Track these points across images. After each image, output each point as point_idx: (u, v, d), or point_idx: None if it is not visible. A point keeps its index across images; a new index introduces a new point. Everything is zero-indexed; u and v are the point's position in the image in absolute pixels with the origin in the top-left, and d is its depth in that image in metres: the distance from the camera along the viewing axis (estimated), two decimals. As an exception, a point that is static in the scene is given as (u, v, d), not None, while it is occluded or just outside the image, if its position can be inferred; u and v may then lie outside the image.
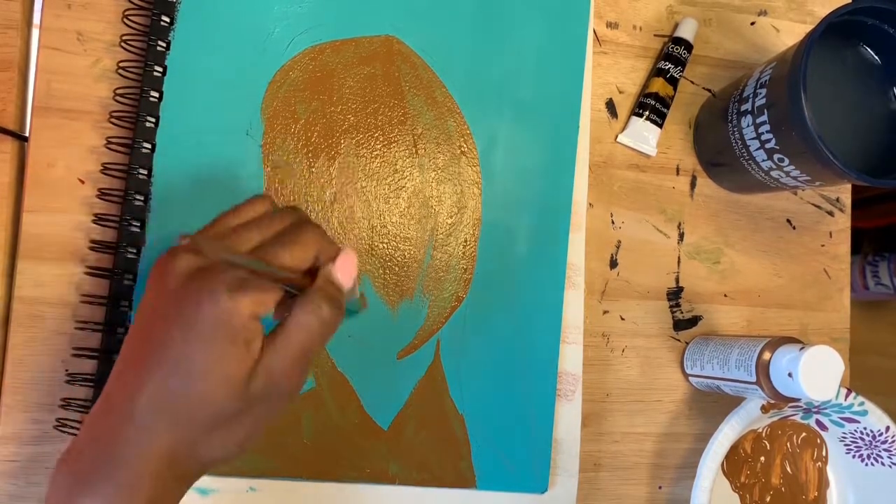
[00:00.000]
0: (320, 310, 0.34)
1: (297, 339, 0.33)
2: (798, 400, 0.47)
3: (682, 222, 0.55)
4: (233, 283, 0.32)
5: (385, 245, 0.48)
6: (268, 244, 0.35)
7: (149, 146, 0.45)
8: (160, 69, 0.46)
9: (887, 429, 0.50)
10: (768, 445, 0.53)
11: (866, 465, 0.52)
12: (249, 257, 0.34)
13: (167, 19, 0.46)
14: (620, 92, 0.55)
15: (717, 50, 0.56)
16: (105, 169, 0.45)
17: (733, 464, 0.53)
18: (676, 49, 0.54)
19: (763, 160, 0.48)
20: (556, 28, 0.51)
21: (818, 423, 0.53)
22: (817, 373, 0.43)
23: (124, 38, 0.46)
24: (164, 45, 0.46)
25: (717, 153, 0.54)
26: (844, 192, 0.58)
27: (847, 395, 0.50)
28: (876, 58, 0.49)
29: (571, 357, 0.51)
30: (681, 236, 0.55)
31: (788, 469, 0.54)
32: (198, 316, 0.31)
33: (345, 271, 0.36)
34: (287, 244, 0.35)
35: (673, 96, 0.54)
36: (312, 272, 0.36)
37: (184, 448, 0.32)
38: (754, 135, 0.48)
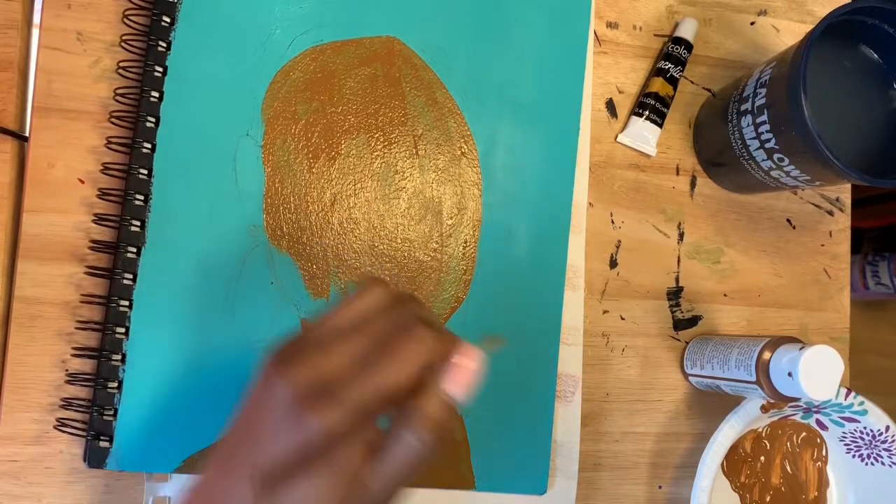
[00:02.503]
0: (422, 439, 0.29)
1: (399, 464, 0.30)
2: (798, 399, 0.47)
3: (682, 222, 0.55)
4: (361, 439, 0.29)
5: (385, 246, 0.48)
6: (366, 360, 0.30)
7: (149, 146, 0.45)
8: (160, 69, 0.46)
9: (887, 428, 0.50)
10: (768, 445, 0.53)
11: (866, 464, 0.52)
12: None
13: (168, 19, 0.46)
14: (620, 92, 0.55)
15: (717, 50, 0.56)
16: (105, 169, 0.45)
17: (733, 463, 0.53)
18: (676, 49, 0.54)
19: (763, 160, 0.48)
20: (556, 29, 0.52)
21: (818, 422, 0.53)
22: (817, 372, 0.43)
23: (124, 38, 0.46)
24: (164, 45, 0.46)
25: (717, 153, 0.54)
26: (844, 192, 0.58)
27: (847, 395, 0.50)
28: (876, 57, 0.49)
29: (571, 359, 0.51)
30: (681, 236, 0.55)
31: (788, 469, 0.54)
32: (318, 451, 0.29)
33: (458, 382, 0.30)
34: (389, 358, 0.30)
35: (673, 96, 0.54)
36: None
37: None
38: (754, 135, 0.48)
